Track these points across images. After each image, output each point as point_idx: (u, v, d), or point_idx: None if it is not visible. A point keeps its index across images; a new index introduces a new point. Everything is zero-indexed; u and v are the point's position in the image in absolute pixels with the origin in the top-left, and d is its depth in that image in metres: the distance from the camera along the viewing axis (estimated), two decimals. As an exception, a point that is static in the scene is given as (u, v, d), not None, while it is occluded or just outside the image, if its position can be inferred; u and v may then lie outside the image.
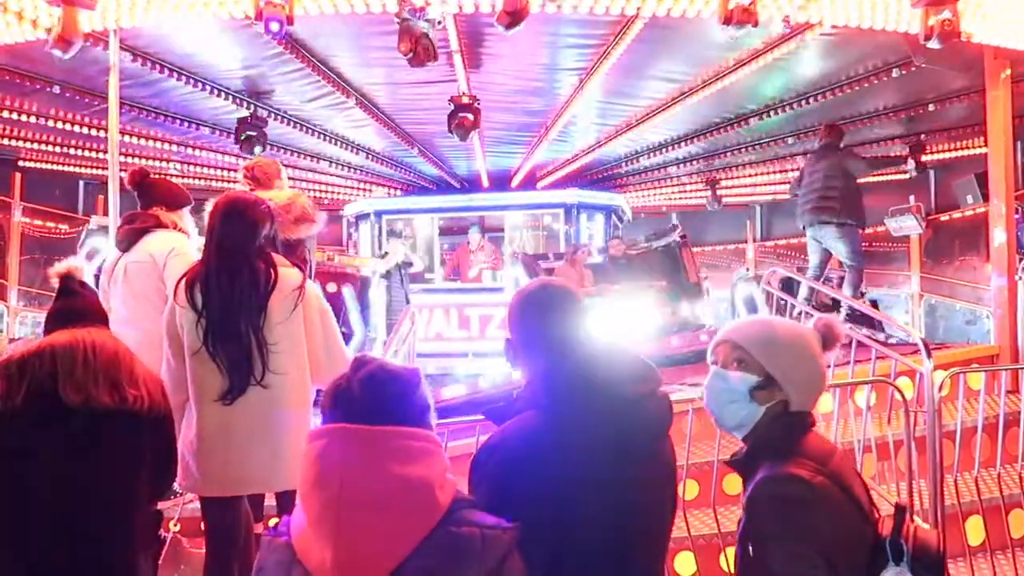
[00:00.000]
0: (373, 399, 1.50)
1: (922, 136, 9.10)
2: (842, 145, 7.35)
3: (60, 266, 2.44)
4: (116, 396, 2.15)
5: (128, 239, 3.64)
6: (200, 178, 10.53)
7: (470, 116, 7.26)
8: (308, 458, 1.49)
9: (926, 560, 1.69)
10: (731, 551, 3.51)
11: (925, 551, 1.70)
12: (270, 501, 3.59)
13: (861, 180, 7.17)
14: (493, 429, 1.84)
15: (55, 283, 2.44)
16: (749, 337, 1.85)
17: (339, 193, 11.97)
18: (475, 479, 1.76)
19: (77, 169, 10.37)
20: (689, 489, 3.97)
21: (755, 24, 4.58)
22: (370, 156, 10.00)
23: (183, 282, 2.76)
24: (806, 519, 1.62)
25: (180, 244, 3.60)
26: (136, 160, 8.63)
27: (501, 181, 11.20)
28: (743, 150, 9.76)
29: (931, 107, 7.93)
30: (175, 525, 3.62)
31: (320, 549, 1.42)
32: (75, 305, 2.38)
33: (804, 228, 7.29)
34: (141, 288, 3.54)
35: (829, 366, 4.71)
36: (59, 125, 8.20)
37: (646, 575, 1.85)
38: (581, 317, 1.88)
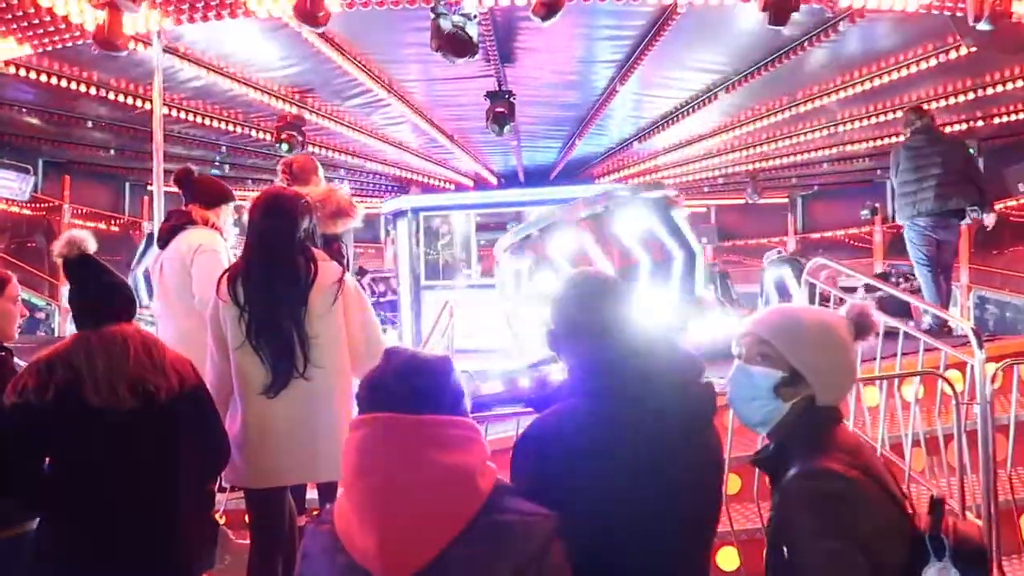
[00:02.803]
0: (408, 388, 1.51)
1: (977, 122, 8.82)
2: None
3: (61, 244, 2.30)
4: (141, 393, 2.18)
5: (165, 237, 3.66)
6: (243, 178, 10.70)
7: (505, 111, 7.25)
8: (349, 447, 1.51)
9: (970, 554, 1.61)
10: (775, 546, 3.46)
11: (968, 545, 1.62)
12: (312, 494, 3.63)
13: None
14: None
15: (59, 261, 2.32)
16: (774, 329, 1.76)
17: (376, 192, 12.05)
18: (516, 465, 1.76)
19: (123, 170, 10.63)
20: (731, 483, 3.91)
21: (796, 9, 4.48)
22: (407, 153, 10.05)
23: (225, 277, 2.79)
24: (844, 514, 1.55)
25: (208, 240, 3.54)
26: (179, 161, 8.80)
27: (538, 177, 11.17)
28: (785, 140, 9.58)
29: (980, 92, 7.69)
30: (221, 517, 3.66)
31: (364, 536, 1.43)
32: (99, 298, 2.32)
33: (914, 217, 6.34)
34: (174, 285, 3.54)
35: (876, 358, 4.65)
36: (105, 128, 8.40)
37: (690, 563, 1.83)
38: (624, 305, 1.86)
